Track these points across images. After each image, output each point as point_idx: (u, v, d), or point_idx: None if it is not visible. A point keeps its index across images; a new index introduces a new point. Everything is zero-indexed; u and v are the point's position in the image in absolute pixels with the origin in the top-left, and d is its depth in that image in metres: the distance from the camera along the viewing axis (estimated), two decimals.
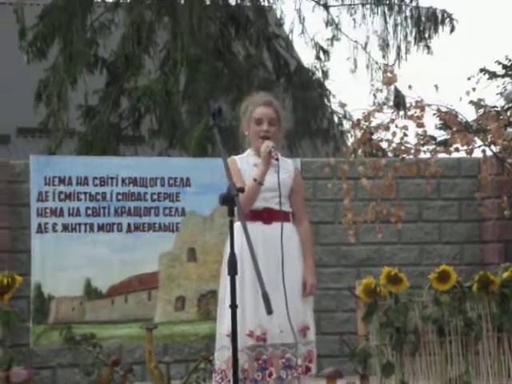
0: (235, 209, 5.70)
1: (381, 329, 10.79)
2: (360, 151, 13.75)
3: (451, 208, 16.09)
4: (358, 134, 13.95)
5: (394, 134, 13.16)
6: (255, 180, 7.32)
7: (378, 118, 13.57)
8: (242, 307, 6.98)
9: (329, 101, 23.20)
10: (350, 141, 20.44)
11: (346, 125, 22.57)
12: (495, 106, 20.10)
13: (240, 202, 6.32)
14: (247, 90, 22.02)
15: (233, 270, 5.53)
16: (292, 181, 7.62)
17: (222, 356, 7.30)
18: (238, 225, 5.98)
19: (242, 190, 5.85)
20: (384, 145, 13.68)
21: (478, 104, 14.52)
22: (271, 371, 7.37)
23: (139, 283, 11.45)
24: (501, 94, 20.45)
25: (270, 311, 5.58)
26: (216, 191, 11.50)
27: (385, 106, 15.12)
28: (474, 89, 14.41)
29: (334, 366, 8.86)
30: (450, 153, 13.84)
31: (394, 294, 10.80)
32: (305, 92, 21.68)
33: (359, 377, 10.76)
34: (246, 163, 7.54)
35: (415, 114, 13.06)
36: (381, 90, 14.69)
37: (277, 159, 7.38)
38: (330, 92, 23.29)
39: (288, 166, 7.68)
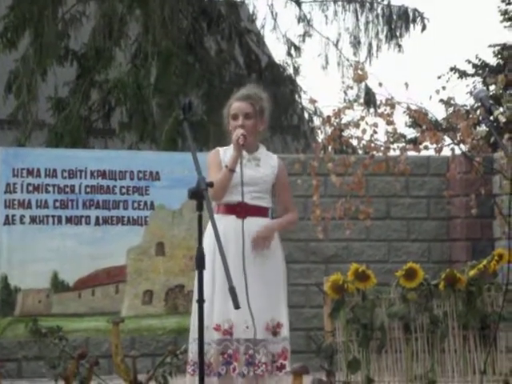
0: (204, 203, 5.68)
1: (347, 325, 10.80)
2: (330, 148, 13.77)
3: (420, 206, 16.16)
4: (329, 130, 13.98)
5: (363, 131, 13.20)
6: (226, 167, 7.31)
7: (349, 115, 13.63)
8: (212, 301, 7.02)
9: (300, 97, 23.33)
10: (321, 137, 20.48)
11: (317, 121, 22.70)
12: (465, 105, 20.17)
13: (213, 191, 6.41)
14: (218, 84, 22.19)
15: (200, 265, 5.52)
16: (275, 176, 7.62)
17: (194, 348, 7.29)
18: (218, 218, 6.00)
19: (211, 184, 5.84)
20: (354, 142, 13.72)
21: (447, 103, 14.57)
22: (235, 366, 7.38)
23: (107, 277, 11.45)
24: (470, 92, 20.50)
25: (237, 306, 5.59)
26: (186, 185, 11.46)
27: (355, 103, 15.22)
28: (443, 87, 14.47)
29: (300, 362, 8.84)
30: (419, 151, 13.87)
31: (362, 291, 10.82)
32: (276, 88, 21.70)
33: (325, 373, 10.81)
34: (228, 155, 7.53)
35: (385, 112, 13.10)
36: (351, 87, 14.86)
37: (243, 145, 7.38)
38: (301, 88, 23.43)
39: (272, 162, 7.70)
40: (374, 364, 10.83)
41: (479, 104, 17.59)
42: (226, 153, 7.58)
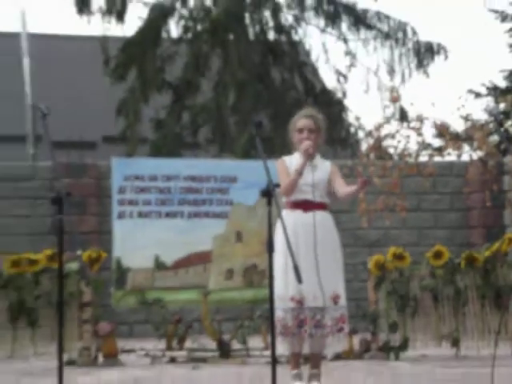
0: (272, 200, 5.77)
1: (387, 296, 10.83)
2: (372, 155, 13.81)
3: (444, 200, 16.13)
4: (370, 141, 14.00)
5: (398, 141, 13.25)
6: (296, 170, 7.35)
7: (386, 129, 13.65)
8: (286, 278, 7.10)
9: (347, 115, 23.27)
10: (364, 147, 20.48)
11: (361, 134, 22.64)
12: (479, 120, 20.00)
13: (282, 190, 6.51)
14: (282, 107, 22.24)
15: (270, 249, 5.62)
16: (328, 176, 7.63)
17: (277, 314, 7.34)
18: (284, 213, 6.04)
19: (277, 185, 5.94)
20: (391, 150, 13.75)
21: (466, 118, 14.55)
22: (306, 329, 7.43)
23: (197, 258, 11.45)
24: (485, 109, 20.31)
25: (299, 281, 5.67)
26: (258, 187, 11.55)
27: (391, 120, 15.17)
28: (462, 105, 14.47)
29: (351, 325, 8.89)
30: (443, 157, 13.91)
31: (399, 269, 10.85)
32: (328, 108, 21.65)
33: (370, 333, 10.83)
34: (294, 161, 7.58)
35: (416, 126, 13.14)
36: (388, 107, 14.79)
37: (312, 155, 7.47)
38: (347, 108, 23.42)
39: (325, 167, 7.72)
40: (409, 326, 10.83)
41: (492, 118, 17.45)
42: (291, 160, 7.63)
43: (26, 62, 23.53)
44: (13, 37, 25.88)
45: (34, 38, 24.86)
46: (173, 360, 10.93)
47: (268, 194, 5.62)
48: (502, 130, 18.96)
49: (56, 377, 5.39)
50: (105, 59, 22.59)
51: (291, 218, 7.20)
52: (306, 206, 7.48)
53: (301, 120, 7.68)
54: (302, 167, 7.43)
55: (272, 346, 5.51)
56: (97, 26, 22.97)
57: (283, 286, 7.19)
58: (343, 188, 7.69)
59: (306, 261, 7.16)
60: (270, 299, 5.69)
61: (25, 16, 24.14)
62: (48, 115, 5.60)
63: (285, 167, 7.53)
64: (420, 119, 13.02)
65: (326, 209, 7.63)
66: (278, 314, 7.24)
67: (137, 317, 13.44)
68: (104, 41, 22.60)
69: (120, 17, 22.79)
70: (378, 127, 13.38)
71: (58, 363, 5.32)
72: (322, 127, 7.79)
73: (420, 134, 13.19)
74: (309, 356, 7.69)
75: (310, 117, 7.73)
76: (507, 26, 22.50)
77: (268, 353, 10.61)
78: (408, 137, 13.26)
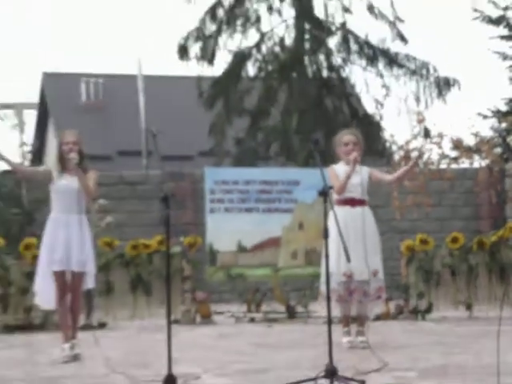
0: (328, 199, 5.74)
1: (416, 271, 10.74)
2: (402, 164, 13.75)
3: (460, 198, 15.97)
4: (401, 153, 13.92)
5: (423, 153, 13.17)
6: (346, 175, 7.41)
7: (414, 144, 13.56)
8: (339, 258, 7.05)
9: (383, 133, 23.05)
10: (396, 158, 20.34)
11: (394, 147, 22.43)
12: (486, 136, 19.73)
13: (336, 190, 6.51)
14: (334, 128, 22.12)
15: (326, 235, 5.59)
16: (368, 177, 7.61)
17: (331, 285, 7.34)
18: (336, 208, 6.01)
19: (331, 187, 5.92)
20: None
21: (475, 135, 14.41)
22: (355, 297, 7.42)
23: (270, 243, 11.43)
24: (491, 128, 19.95)
25: (348, 260, 5.65)
26: (315, 189, 11.51)
27: (418, 136, 15.05)
28: (473, 125, 14.31)
29: (388, 294, 8.84)
30: (459, 164, 13.81)
31: (424, 250, 10.76)
32: (368, 128, 21.49)
33: (403, 300, 10.74)
34: (339, 169, 7.55)
35: (437, 141, 13.05)
36: (415, 127, 14.67)
37: (359, 162, 7.50)
38: (383, 128, 23.17)
39: (365, 171, 7.69)
40: (433, 294, 10.73)
41: (497, 135, 17.09)
42: (338, 167, 7.61)
43: (141, 95, 23.78)
44: (131, 78, 26.16)
45: (147, 78, 25.11)
46: (252, 320, 10.95)
47: (324, 193, 5.59)
48: (505, 143, 18.71)
49: (165, 332, 5.43)
50: (199, 93, 22.67)
51: (342, 212, 7.13)
52: (353, 202, 7.45)
53: (346, 136, 7.67)
54: (351, 173, 7.41)
55: (328, 308, 5.47)
56: (193, 68, 22.84)
57: (336, 265, 7.15)
58: (388, 175, 7.92)
59: (355, 245, 7.13)
60: (326, 273, 5.66)
61: (140, 62, 24.41)
62: (158, 136, 5.65)
63: (334, 173, 7.52)
64: (440, 136, 12.93)
65: (367, 204, 7.61)
66: (333, 286, 7.21)
67: (224, 287, 13.48)
68: (199, 79, 22.70)
69: (210, 61, 22.88)
70: (407, 142, 13.31)
71: (167, 322, 5.36)
72: (361, 141, 7.78)
73: (440, 147, 13.11)
74: (356, 317, 7.65)
75: (352, 133, 7.77)
76: (507, 63, 22.21)
77: (324, 315, 10.60)
78: (431, 149, 13.18)
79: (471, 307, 10.69)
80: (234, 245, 11.26)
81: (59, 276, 6.89)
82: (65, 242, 6.85)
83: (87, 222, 7.03)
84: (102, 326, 10.33)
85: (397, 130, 42.62)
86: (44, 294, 6.97)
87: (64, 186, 6.93)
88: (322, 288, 7.40)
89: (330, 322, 5.38)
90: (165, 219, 5.26)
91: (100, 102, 30.85)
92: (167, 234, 5.29)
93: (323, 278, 7.23)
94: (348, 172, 7.41)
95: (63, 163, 6.98)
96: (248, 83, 22.84)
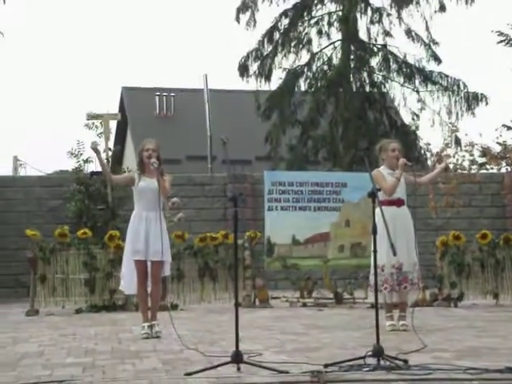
0: (376, 199, 5.66)
1: (449, 263, 10.64)
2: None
3: (487, 199, 15.75)
4: (435, 159, 13.78)
5: (457, 160, 13.01)
6: (396, 178, 7.32)
7: (448, 151, 13.40)
8: (387, 251, 6.94)
9: (419, 142, 22.80)
10: (430, 163, 20.13)
11: (429, 154, 22.20)
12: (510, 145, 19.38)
13: (386, 192, 6.55)
14: (374, 137, 22.02)
15: (374, 232, 5.52)
16: (405, 181, 7.54)
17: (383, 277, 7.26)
18: (384, 208, 5.90)
19: (379, 189, 5.83)
20: (451, 165, 13.50)
21: (502, 144, 14.19)
22: (406, 285, 7.37)
23: (320, 237, 11.42)
24: None
25: (395, 254, 5.58)
26: (360, 190, 11.49)
27: (449, 145, 14.90)
28: (500, 136, 14.08)
29: (424, 283, 8.77)
30: (487, 169, 13.60)
31: (457, 245, 10.64)
32: (406, 137, 21.34)
33: (437, 289, 10.64)
34: (385, 172, 7.50)
35: (468, 149, 12.90)
36: (449, 136, 14.53)
37: (410, 165, 7.41)
38: (420, 137, 22.95)
39: (402, 177, 7.61)
40: (464, 284, 10.62)
41: None
42: (384, 170, 7.54)
43: (207, 107, 23.88)
44: (198, 92, 26.31)
45: (212, 91, 25.21)
46: (304, 305, 10.96)
47: (373, 195, 5.52)
48: None
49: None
50: (257, 105, 22.74)
51: (390, 211, 6.95)
52: (399, 202, 7.39)
53: (393, 143, 7.62)
54: (400, 176, 7.35)
55: (375, 296, 5.43)
56: (252, 83, 22.88)
57: (387, 258, 7.07)
58: (421, 178, 7.77)
59: (402, 240, 7.08)
60: (374, 265, 5.62)
61: (206, 77, 24.51)
62: (227, 143, 5.65)
63: (381, 175, 7.44)
64: (472, 144, 12.76)
65: (406, 204, 7.55)
66: (386, 276, 7.21)
67: (280, 275, 13.49)
68: (257, 93, 22.78)
69: (267, 78, 22.93)
70: (442, 150, 13.16)
71: (234, 305, 5.39)
72: (402, 149, 7.74)
73: (472, 155, 12.94)
74: (398, 303, 7.57)
75: (397, 142, 7.72)
76: None
77: (367, 300, 10.56)
78: (463, 156, 13.03)
79: (498, 296, 10.57)
80: (289, 238, 11.26)
81: (140, 264, 6.98)
82: (145, 235, 6.94)
83: (164, 218, 7.10)
84: (174, 307, 10.42)
85: (431, 139, 42.17)
86: (127, 281, 7.06)
87: (145, 186, 7.03)
88: (370, 278, 7.36)
89: (377, 308, 5.35)
90: (233, 216, 5.27)
91: (171, 113, 31.17)
92: (235, 229, 5.30)
93: (372, 270, 7.19)
94: (398, 175, 7.35)
95: (143, 167, 7.09)
96: (300, 97, 22.84)
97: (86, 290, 10.41)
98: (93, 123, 13.28)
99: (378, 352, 5.01)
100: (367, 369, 4.82)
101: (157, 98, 31.21)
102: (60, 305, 10.47)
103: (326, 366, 4.90)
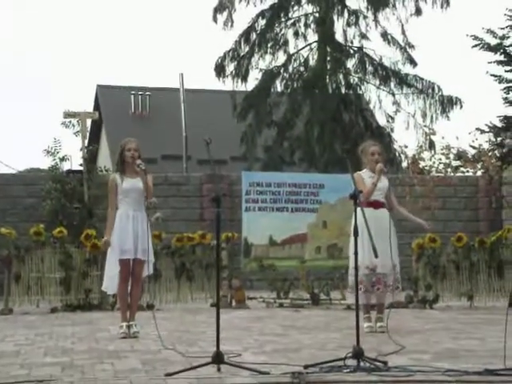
0: (358, 201, 5.66)
1: (424, 266, 10.70)
2: (410, 170, 13.74)
3: (462, 202, 15.82)
4: (409, 162, 13.88)
5: (433, 162, 13.12)
6: (373, 183, 7.35)
7: (424, 154, 13.52)
8: (363, 253, 6.96)
9: (393, 144, 22.89)
10: (404, 165, 20.25)
11: (403, 156, 22.31)
12: (484, 148, 19.56)
13: (364, 195, 6.40)
14: (350, 139, 22.14)
15: (355, 234, 5.52)
16: (387, 186, 7.60)
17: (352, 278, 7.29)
18: (358, 209, 5.91)
19: (361, 191, 5.84)
20: (427, 168, 13.62)
21: (476, 148, 14.34)
22: (378, 287, 7.38)
23: (297, 238, 11.41)
24: (506, 144, 19.30)
25: (376, 256, 5.60)
26: (336, 192, 11.46)
27: (423, 148, 15.02)
28: (476, 139, 14.23)
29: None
30: (463, 172, 13.72)
31: (432, 248, 10.70)
32: (380, 139, 21.22)
33: (413, 291, 10.69)
34: (365, 175, 7.52)
35: (445, 152, 13.00)
36: (426, 139, 14.61)
37: (385, 172, 7.48)
38: (394, 139, 23.05)
39: (385, 180, 7.64)
40: (439, 286, 10.70)
41: (508, 149, 16.73)
42: (365, 174, 7.56)
43: (182, 107, 23.81)
44: (174, 91, 26.21)
45: (188, 91, 25.12)
46: (281, 305, 10.95)
47: (354, 196, 5.52)
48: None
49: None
50: (233, 105, 22.73)
51: (367, 212, 6.95)
52: (377, 204, 7.41)
53: (372, 147, 7.63)
54: (377, 181, 7.38)
55: (356, 297, 5.44)
56: (228, 83, 22.83)
57: (361, 259, 7.04)
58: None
59: (377, 242, 7.01)
60: (355, 267, 5.60)
61: (182, 77, 24.44)
62: (210, 144, 5.61)
63: (361, 178, 7.46)
64: (448, 148, 12.86)
65: (385, 206, 7.56)
66: (360, 277, 7.13)
67: (255, 275, 13.44)
68: (233, 94, 22.77)
69: (244, 79, 22.91)
70: (419, 153, 13.27)
71: (216, 306, 5.35)
72: (383, 152, 7.78)
73: (448, 158, 13.04)
74: (375, 305, 7.60)
75: (377, 145, 7.74)
76: (503, 85, 22.09)
77: (344, 301, 10.59)
78: (440, 159, 13.13)
79: (472, 298, 10.65)
80: (266, 239, 11.25)
81: (125, 264, 6.93)
82: (133, 234, 6.89)
83: (146, 217, 7.06)
84: (150, 307, 10.36)
85: (406, 140, 42.41)
86: (111, 281, 6.99)
87: (129, 187, 6.98)
88: (350, 279, 7.38)
89: (357, 309, 5.36)
90: (215, 216, 5.25)
91: (146, 112, 31.04)
92: (217, 230, 5.30)
93: (351, 271, 7.21)
94: (375, 181, 7.38)
95: (124, 167, 7.04)
96: (276, 98, 22.85)
97: (61, 289, 10.32)
98: (69, 121, 13.17)
99: (357, 353, 5.02)
100: (347, 370, 4.83)
101: (132, 96, 31.02)
102: (34, 304, 10.36)
103: (306, 367, 4.91)
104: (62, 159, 13.83)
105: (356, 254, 5.45)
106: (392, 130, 23.21)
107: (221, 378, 4.63)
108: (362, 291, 7.27)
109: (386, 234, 7.13)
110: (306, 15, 23.22)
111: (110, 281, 6.98)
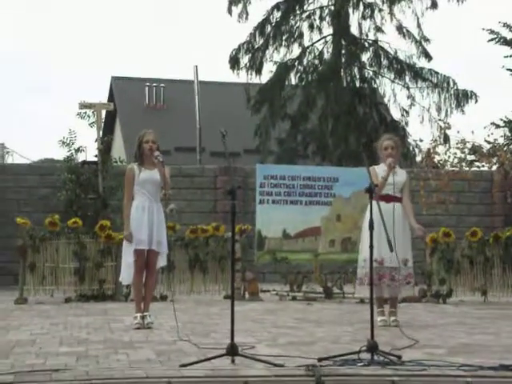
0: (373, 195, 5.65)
1: (438, 260, 10.67)
2: (424, 164, 13.66)
3: (477, 196, 15.77)
4: (423, 156, 13.79)
5: (448, 157, 13.04)
6: (383, 177, 7.29)
7: (438, 148, 13.45)
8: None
9: (408, 138, 22.82)
10: (418, 159, 20.14)
11: (417, 150, 22.24)
12: (499, 143, 19.43)
13: (379, 188, 6.34)
14: (364, 132, 22.09)
15: (371, 228, 5.51)
16: (404, 181, 7.55)
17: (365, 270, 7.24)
18: (374, 203, 5.88)
19: (376, 185, 5.83)
20: (441, 162, 13.53)
21: (491, 142, 14.25)
22: (384, 280, 7.36)
23: (311, 231, 11.39)
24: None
25: (391, 250, 5.59)
26: (350, 185, 11.44)
27: (438, 142, 14.90)
28: (489, 134, 14.15)
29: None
30: (478, 167, 13.64)
31: (447, 242, 10.67)
32: (395, 133, 21.26)
33: (427, 285, 10.67)
34: (381, 168, 7.48)
35: (460, 146, 12.91)
36: (441, 133, 14.49)
37: (394, 167, 7.36)
38: (409, 133, 23.00)
39: (402, 174, 7.62)
40: (453, 281, 10.66)
41: None
42: (379, 168, 7.53)
43: (197, 99, 23.81)
44: (188, 83, 26.22)
45: (202, 83, 25.12)
46: (294, 298, 10.95)
47: (370, 190, 5.52)
48: None
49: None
50: (247, 98, 22.70)
51: (377, 206, 6.99)
52: (388, 198, 7.36)
53: (386, 141, 7.59)
54: (387, 176, 7.35)
55: (371, 291, 5.43)
56: (243, 76, 22.80)
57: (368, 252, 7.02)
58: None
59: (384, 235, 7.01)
60: (370, 261, 5.60)
61: (197, 69, 24.43)
62: (227, 136, 5.60)
63: (375, 172, 7.43)
64: (463, 142, 12.79)
65: (399, 201, 7.53)
66: (367, 270, 7.09)
67: (268, 268, 13.44)
68: (247, 86, 22.75)
69: (258, 71, 22.86)
70: (434, 147, 13.19)
71: (231, 299, 5.37)
72: (399, 146, 7.75)
73: (463, 152, 12.97)
74: (388, 299, 7.58)
75: (391, 139, 7.67)
76: None
77: (357, 295, 10.56)
78: (455, 153, 13.07)
79: (486, 293, 10.62)
80: (280, 232, 11.24)
81: (140, 254, 6.96)
82: (149, 225, 6.92)
83: (162, 209, 7.09)
84: (163, 298, 10.41)
85: (421, 134, 42.29)
86: (127, 272, 7.01)
87: (147, 178, 7.02)
88: (359, 272, 7.36)
89: (371, 302, 5.36)
90: (231, 209, 5.26)
91: (160, 103, 31.08)
92: (233, 221, 5.30)
93: (362, 263, 7.20)
94: (385, 176, 7.36)
95: (142, 158, 7.08)
96: (290, 91, 22.80)
97: (75, 279, 10.36)
98: (85, 112, 13.20)
99: (372, 347, 5.02)
100: (361, 364, 4.83)
101: (147, 88, 31.08)
102: (49, 293, 10.42)
103: (320, 359, 4.91)
104: (78, 150, 13.85)
105: (371, 247, 5.43)
106: (407, 123, 23.16)
107: (235, 370, 4.64)
108: (366, 284, 7.23)
109: (395, 228, 7.06)
110: (321, 8, 23.13)
111: (126, 271, 7.00)
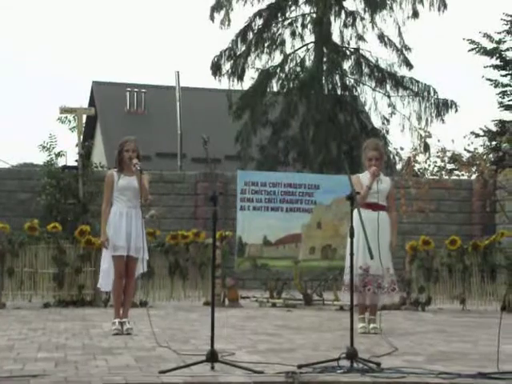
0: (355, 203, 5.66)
1: (418, 268, 10.71)
2: (404, 172, 13.72)
3: (456, 205, 15.87)
4: (403, 164, 13.86)
5: (428, 165, 13.11)
6: (367, 186, 7.31)
7: (419, 157, 13.52)
8: (357, 254, 6.94)
9: (388, 146, 22.93)
10: (398, 167, 20.23)
11: (397, 159, 22.35)
12: (479, 152, 19.58)
13: (362, 198, 6.35)
14: (345, 139, 22.17)
15: (352, 236, 5.52)
16: (389, 188, 7.58)
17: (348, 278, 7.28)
18: (355, 211, 5.91)
19: (358, 193, 5.84)
20: (420, 170, 13.59)
21: (471, 151, 14.36)
22: (369, 288, 7.38)
23: (291, 238, 11.36)
24: (503, 149, 19.09)
25: (371, 257, 5.60)
26: (331, 193, 11.45)
27: (418, 150, 14.97)
28: (469, 144, 14.25)
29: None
30: (458, 176, 13.72)
31: (426, 250, 10.72)
32: None
33: (406, 293, 10.70)
34: (364, 177, 7.52)
35: (440, 155, 12.98)
36: (422, 141, 14.52)
37: (378, 175, 7.39)
38: (389, 141, 23.11)
39: (387, 181, 7.65)
40: (432, 289, 10.71)
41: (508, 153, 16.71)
42: (363, 176, 7.55)
43: (178, 105, 23.77)
44: (169, 89, 26.18)
45: (183, 89, 25.07)
46: (273, 305, 10.95)
47: (351, 198, 5.52)
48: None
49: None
50: (229, 104, 22.73)
51: (363, 214, 6.98)
52: (374, 206, 7.39)
53: (370, 152, 7.56)
54: (371, 184, 7.38)
55: (351, 298, 5.45)
56: (224, 82, 22.81)
57: (354, 259, 7.03)
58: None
59: (372, 243, 7.03)
60: (351, 269, 5.62)
61: (178, 75, 24.38)
62: (208, 142, 5.60)
63: (358, 181, 7.44)
64: (443, 151, 12.86)
65: (385, 209, 7.55)
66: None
67: (248, 275, 13.42)
68: (229, 93, 22.77)
69: (240, 78, 22.91)
70: (414, 156, 13.25)
71: (211, 305, 5.35)
72: (383, 154, 7.78)
73: (443, 161, 13.04)
74: (368, 306, 7.59)
75: (377, 150, 7.61)
76: (498, 90, 22.16)
77: (336, 302, 10.60)
78: (435, 162, 13.14)
79: (465, 301, 10.68)
80: (260, 239, 11.21)
81: (119, 260, 6.95)
82: (127, 231, 6.92)
83: (141, 215, 7.08)
84: (143, 304, 10.36)
85: (401, 143, 42.44)
86: (106, 278, 7.00)
87: (125, 185, 7.03)
88: (345, 279, 7.38)
89: (352, 309, 5.37)
90: (212, 215, 5.25)
91: (142, 109, 31.00)
92: (214, 227, 5.29)
93: (347, 270, 7.22)
94: (369, 184, 7.39)
95: (122, 165, 7.08)
96: (272, 98, 22.87)
97: (54, 284, 10.29)
98: (66, 117, 13.15)
99: (351, 354, 5.03)
100: (341, 371, 4.84)
101: (127, 93, 30.99)
102: (27, 299, 10.34)
103: (299, 366, 4.91)
104: (58, 155, 13.80)
105: (352, 254, 5.44)
106: (387, 132, 23.31)
107: (215, 377, 4.63)
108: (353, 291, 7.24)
109: (379, 236, 7.11)
110: (304, 15, 23.24)
111: (105, 278, 6.99)
